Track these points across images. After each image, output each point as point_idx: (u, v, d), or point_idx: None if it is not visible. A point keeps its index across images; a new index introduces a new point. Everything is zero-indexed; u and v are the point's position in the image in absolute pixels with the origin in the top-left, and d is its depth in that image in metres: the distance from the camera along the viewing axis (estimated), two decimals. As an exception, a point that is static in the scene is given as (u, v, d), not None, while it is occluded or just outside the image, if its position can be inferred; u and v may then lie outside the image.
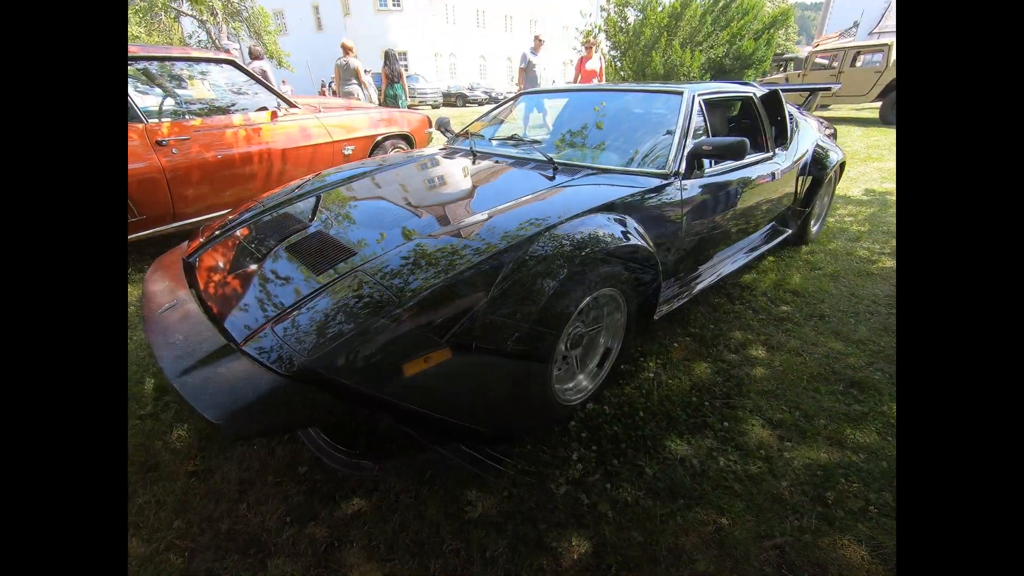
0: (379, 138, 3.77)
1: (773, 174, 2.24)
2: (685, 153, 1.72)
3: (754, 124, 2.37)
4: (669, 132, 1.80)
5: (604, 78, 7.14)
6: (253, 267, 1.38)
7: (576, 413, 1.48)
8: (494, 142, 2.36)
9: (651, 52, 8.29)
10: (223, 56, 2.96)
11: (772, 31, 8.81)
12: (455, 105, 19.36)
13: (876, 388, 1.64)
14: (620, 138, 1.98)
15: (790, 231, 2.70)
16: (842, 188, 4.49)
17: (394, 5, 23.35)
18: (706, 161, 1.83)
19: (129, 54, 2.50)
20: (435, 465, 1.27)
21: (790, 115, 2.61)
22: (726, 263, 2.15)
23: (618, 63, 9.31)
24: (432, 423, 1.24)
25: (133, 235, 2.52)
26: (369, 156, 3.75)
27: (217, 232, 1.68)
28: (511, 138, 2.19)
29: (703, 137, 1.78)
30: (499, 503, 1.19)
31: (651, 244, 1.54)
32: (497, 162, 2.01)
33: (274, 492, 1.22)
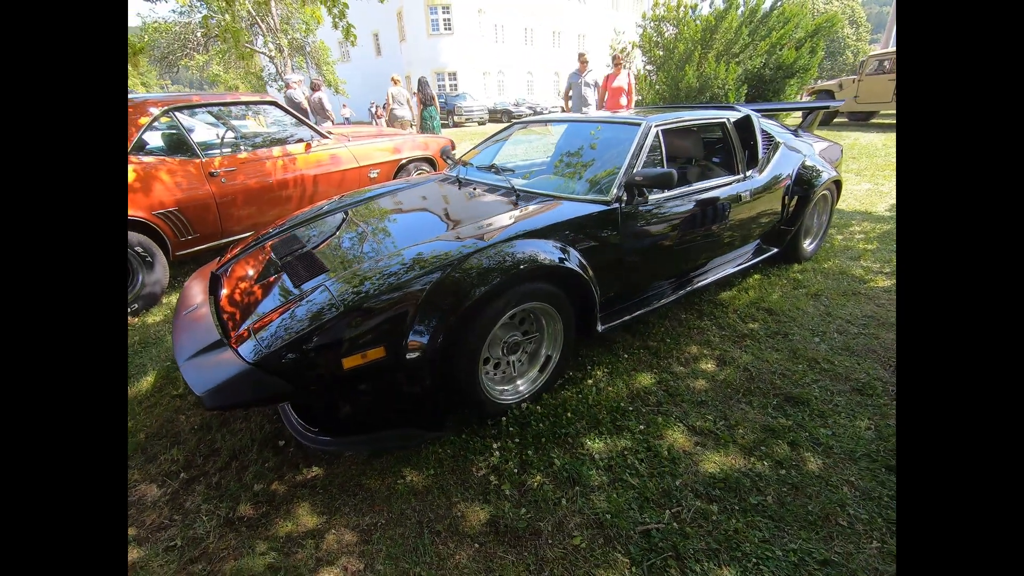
0: (403, 161, 4.19)
1: (739, 196, 2.33)
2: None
3: (727, 148, 2.47)
4: (619, 161, 1.98)
5: (633, 95, 6.91)
6: (256, 280, 1.74)
7: (511, 410, 1.69)
8: (493, 170, 2.63)
9: (684, 66, 8.28)
10: (266, 98, 3.50)
11: (816, 39, 8.47)
12: (500, 121, 20.03)
13: (808, 404, 1.71)
14: (579, 166, 2.19)
15: (775, 249, 2.74)
16: (866, 203, 4.33)
17: (445, 29, 24.66)
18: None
19: (192, 102, 3.07)
20: (382, 444, 1.54)
21: (769, 137, 2.68)
22: (689, 282, 2.27)
23: (653, 78, 9.35)
24: (376, 410, 1.52)
25: (190, 249, 3.05)
26: (393, 178, 4.18)
27: (249, 245, 2.09)
28: (491, 167, 2.45)
29: (643, 169, 1.94)
30: (425, 479, 1.44)
31: (587, 265, 1.73)
32: (475, 189, 2.28)
33: (256, 458, 1.55)
